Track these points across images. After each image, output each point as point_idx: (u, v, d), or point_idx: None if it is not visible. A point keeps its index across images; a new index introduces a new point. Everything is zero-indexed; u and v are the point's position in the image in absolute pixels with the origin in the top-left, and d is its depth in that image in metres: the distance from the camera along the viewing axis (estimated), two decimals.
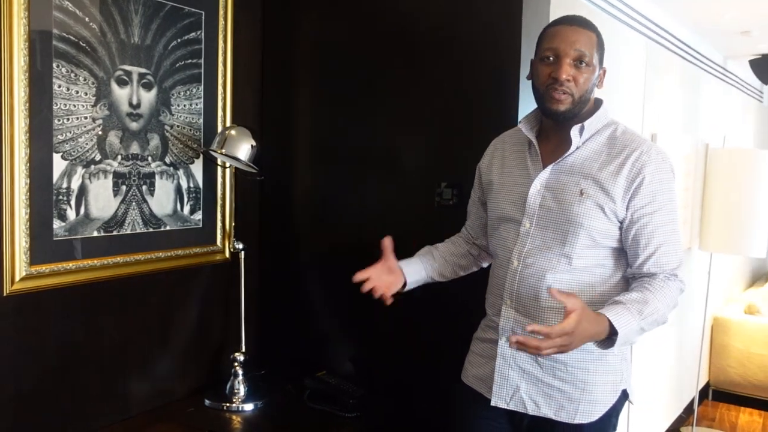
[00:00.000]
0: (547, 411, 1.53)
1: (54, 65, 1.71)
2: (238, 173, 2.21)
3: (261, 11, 2.34)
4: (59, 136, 1.74)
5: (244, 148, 1.98)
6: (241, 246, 2.16)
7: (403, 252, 2.06)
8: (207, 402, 2.05)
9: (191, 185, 2.11)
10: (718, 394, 4.66)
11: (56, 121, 1.73)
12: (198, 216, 2.15)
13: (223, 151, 1.97)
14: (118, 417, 1.94)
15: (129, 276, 1.94)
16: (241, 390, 2.06)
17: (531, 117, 1.59)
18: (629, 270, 1.53)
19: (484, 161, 1.71)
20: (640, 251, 1.48)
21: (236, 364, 2.08)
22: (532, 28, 1.90)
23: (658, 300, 1.42)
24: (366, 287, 1.61)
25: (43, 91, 1.69)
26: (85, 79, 1.79)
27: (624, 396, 1.60)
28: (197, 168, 2.13)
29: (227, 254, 2.24)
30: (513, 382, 1.55)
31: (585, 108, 1.52)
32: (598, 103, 1.57)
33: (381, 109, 2.11)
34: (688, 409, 4.20)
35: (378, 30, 2.12)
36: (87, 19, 1.78)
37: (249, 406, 2.02)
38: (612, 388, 1.55)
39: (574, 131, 1.50)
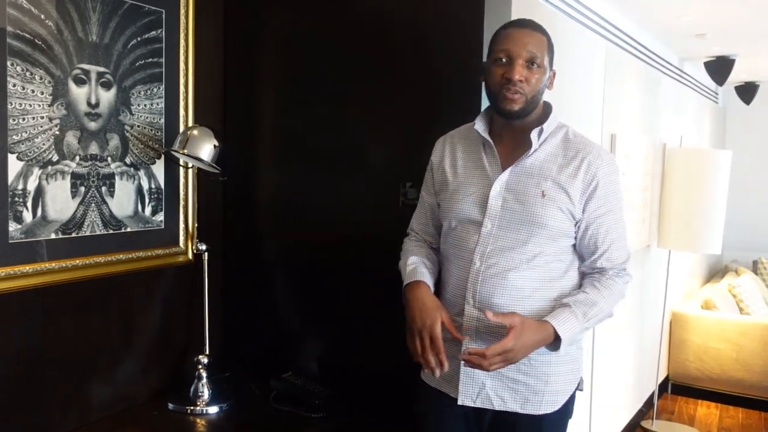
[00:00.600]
0: (513, 405, 1.58)
1: (8, 63, 1.67)
2: (200, 173, 2.18)
3: (223, 9, 2.32)
4: (14, 137, 1.70)
5: (206, 149, 1.96)
6: (204, 247, 2.13)
7: (369, 251, 2.07)
8: (171, 405, 2.02)
9: (153, 186, 2.08)
10: (677, 388, 4.77)
11: (11, 121, 1.69)
12: (160, 217, 2.12)
13: (186, 151, 1.95)
14: (80, 422, 1.90)
15: (89, 279, 1.90)
16: (206, 393, 2.03)
17: (485, 117, 1.63)
18: (582, 265, 1.62)
19: (435, 157, 1.72)
20: (594, 249, 1.58)
21: (200, 366, 2.06)
22: (495, 27, 1.92)
23: (605, 299, 1.55)
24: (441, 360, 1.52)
25: None
26: (41, 78, 1.75)
27: (579, 385, 1.68)
28: (159, 168, 2.10)
29: (190, 255, 2.21)
30: (479, 379, 1.57)
31: (535, 109, 1.58)
32: (548, 106, 1.63)
33: (346, 107, 2.11)
34: (649, 403, 4.30)
35: (343, 28, 2.12)
36: (43, 16, 1.74)
37: (213, 409, 2.00)
38: (572, 377, 1.63)
39: (534, 134, 1.55)
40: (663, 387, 4.65)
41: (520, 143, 1.58)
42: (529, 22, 1.56)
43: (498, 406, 1.58)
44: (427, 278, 1.63)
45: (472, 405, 1.59)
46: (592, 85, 3.03)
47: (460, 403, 1.59)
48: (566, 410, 1.63)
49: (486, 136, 1.60)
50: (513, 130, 1.59)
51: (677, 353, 4.74)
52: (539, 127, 1.55)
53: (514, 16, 2.09)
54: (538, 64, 1.52)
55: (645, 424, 4.14)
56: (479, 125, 1.61)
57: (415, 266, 1.65)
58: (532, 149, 1.55)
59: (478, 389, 1.58)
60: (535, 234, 1.53)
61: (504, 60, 1.52)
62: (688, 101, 4.94)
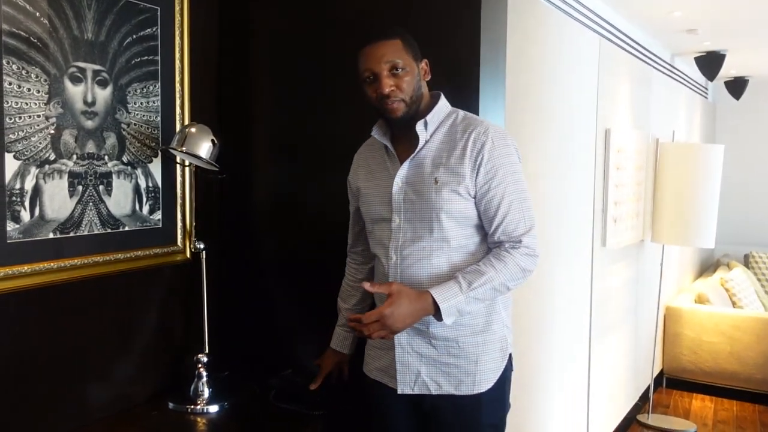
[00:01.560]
0: (449, 388, 1.66)
1: (4, 62, 1.65)
2: (197, 171, 2.17)
3: (218, 5, 2.31)
4: (11, 135, 1.68)
5: (204, 146, 1.95)
6: (202, 245, 2.12)
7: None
8: (171, 405, 2.01)
9: (150, 184, 2.07)
10: (671, 382, 4.80)
11: (7, 120, 1.67)
12: (157, 216, 2.11)
13: (184, 149, 1.94)
14: (80, 422, 1.89)
15: (87, 278, 1.89)
16: (206, 391, 2.02)
17: (382, 124, 1.72)
18: (488, 240, 1.67)
19: (351, 173, 1.84)
20: (489, 222, 1.63)
21: (200, 365, 2.05)
22: (490, 24, 1.93)
23: (493, 269, 1.58)
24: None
25: None
26: (37, 76, 1.73)
27: (510, 362, 1.74)
28: (156, 167, 2.09)
29: (188, 254, 2.20)
30: (414, 367, 1.66)
31: (423, 103, 1.66)
32: (436, 96, 1.70)
33: (341, 103, 2.11)
34: (644, 397, 4.32)
35: (337, 24, 2.11)
36: (38, 14, 1.73)
37: (214, 408, 1.99)
38: (500, 354, 1.69)
39: (419, 126, 1.63)
40: (658, 381, 4.68)
41: (414, 138, 1.66)
42: (380, 33, 1.61)
43: (435, 390, 1.66)
44: (335, 337, 1.97)
45: (411, 392, 1.68)
46: (587, 81, 3.05)
47: (399, 392, 1.68)
48: (501, 389, 1.70)
49: (383, 140, 1.70)
50: (408, 129, 1.66)
51: (671, 347, 4.77)
52: (423, 120, 1.63)
53: (510, 14, 2.09)
54: (401, 67, 1.59)
55: (641, 417, 4.16)
56: (376, 132, 1.71)
57: (337, 325, 1.97)
58: (422, 141, 1.64)
59: (414, 377, 1.67)
60: (436, 220, 1.61)
61: (371, 78, 1.60)
62: (679, 96, 4.97)
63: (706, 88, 6.69)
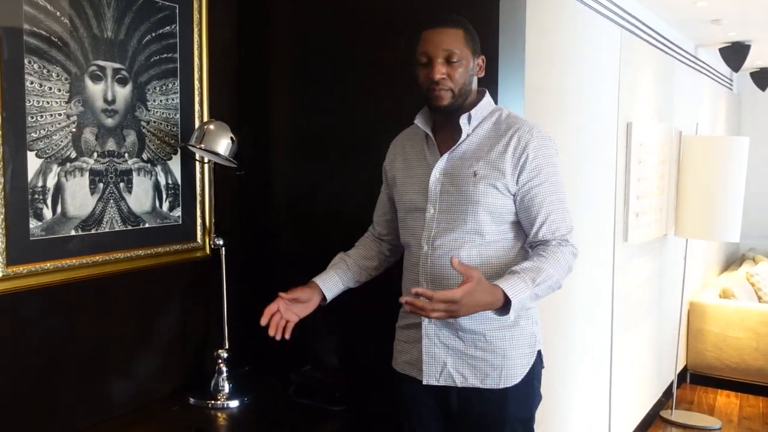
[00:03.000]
0: (474, 381, 1.65)
1: (26, 61, 1.67)
2: (216, 168, 2.18)
3: (236, 3, 2.32)
4: (33, 134, 1.70)
5: (223, 143, 1.96)
6: (221, 242, 2.13)
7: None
8: (192, 400, 2.03)
9: (169, 181, 2.09)
10: (695, 378, 4.74)
11: (29, 119, 1.69)
12: (177, 213, 2.12)
13: (203, 146, 1.95)
14: (101, 418, 1.91)
15: (108, 275, 1.91)
16: (226, 387, 2.04)
17: (425, 113, 1.71)
18: (527, 241, 1.66)
19: (387, 160, 1.83)
20: (532, 221, 1.62)
21: (220, 361, 2.06)
22: (509, 16, 1.91)
23: (551, 266, 1.56)
24: (271, 329, 1.74)
25: (15, 88, 1.65)
26: (58, 75, 1.75)
27: (539, 358, 1.72)
28: (175, 164, 2.10)
29: (208, 250, 2.21)
30: (440, 359, 1.66)
31: (469, 98, 1.65)
32: (482, 93, 1.70)
33: (359, 100, 2.10)
34: (667, 393, 4.27)
35: (356, 20, 2.11)
36: (58, 13, 1.75)
37: (234, 403, 2.01)
38: (529, 350, 1.68)
39: (463, 120, 1.63)
40: (681, 377, 4.62)
41: (456, 131, 1.65)
42: (446, 19, 1.60)
43: (460, 383, 1.65)
44: (324, 275, 1.81)
45: (436, 383, 1.67)
46: (608, 73, 3.01)
47: (425, 383, 1.68)
48: (530, 385, 1.68)
49: (426, 129, 1.69)
50: (450, 121, 1.65)
51: (695, 343, 4.71)
52: (467, 113, 1.63)
53: (529, 6, 2.07)
54: (457, 58, 1.58)
55: (664, 414, 4.11)
56: (419, 120, 1.70)
57: (329, 268, 1.82)
58: (464, 134, 1.63)
59: (440, 368, 1.66)
60: (471, 212, 1.60)
61: (425, 61, 1.60)
62: (703, 88, 4.88)
63: (731, 80, 6.57)
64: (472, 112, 1.63)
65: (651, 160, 3.55)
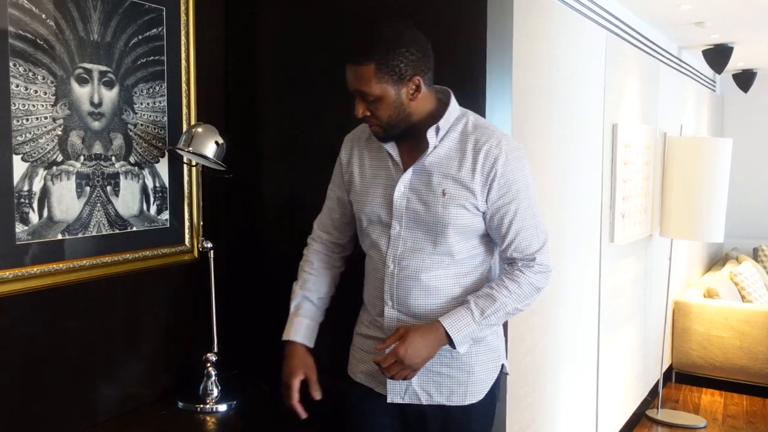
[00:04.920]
0: (440, 398, 1.62)
1: (11, 64, 1.66)
2: (204, 171, 2.17)
3: (223, 5, 2.31)
4: (18, 137, 1.68)
5: (211, 146, 1.95)
6: (209, 245, 2.13)
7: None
8: (180, 404, 2.01)
9: (157, 185, 2.08)
10: (680, 377, 4.79)
11: (15, 122, 1.67)
12: (165, 216, 2.11)
13: (190, 149, 1.94)
14: (88, 423, 1.90)
15: (96, 279, 1.89)
16: (215, 390, 2.03)
17: None
18: (499, 256, 1.63)
19: (344, 156, 1.73)
20: (501, 239, 1.58)
21: (208, 364, 2.05)
22: (497, 20, 1.92)
23: (508, 296, 1.54)
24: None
25: (0, 91, 1.63)
26: (43, 78, 1.74)
27: (502, 371, 1.71)
28: (163, 167, 2.09)
29: (196, 253, 2.20)
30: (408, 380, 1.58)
31: (425, 111, 1.55)
32: (445, 96, 1.60)
33: (348, 103, 2.10)
34: (653, 392, 4.31)
35: (343, 21, 2.11)
36: (44, 15, 1.73)
37: (223, 407, 2.00)
38: (493, 365, 1.66)
39: (431, 132, 1.54)
40: (667, 376, 4.66)
41: (419, 142, 1.56)
42: (356, 54, 1.48)
43: (425, 400, 1.62)
44: (302, 329, 1.71)
45: (401, 401, 1.63)
46: (594, 76, 3.03)
47: (389, 401, 1.63)
48: (492, 397, 1.67)
49: (386, 143, 1.60)
50: (413, 131, 1.56)
51: (680, 342, 4.75)
52: (435, 125, 1.54)
53: (516, 10, 2.08)
54: (372, 98, 1.49)
55: (650, 413, 4.15)
56: None
57: (294, 315, 1.73)
58: (431, 147, 1.55)
59: (405, 386, 1.62)
60: (441, 233, 1.54)
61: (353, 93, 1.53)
62: (686, 90, 4.93)
63: (714, 81, 6.64)
64: (440, 123, 1.54)
65: (636, 161, 3.58)
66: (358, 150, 1.70)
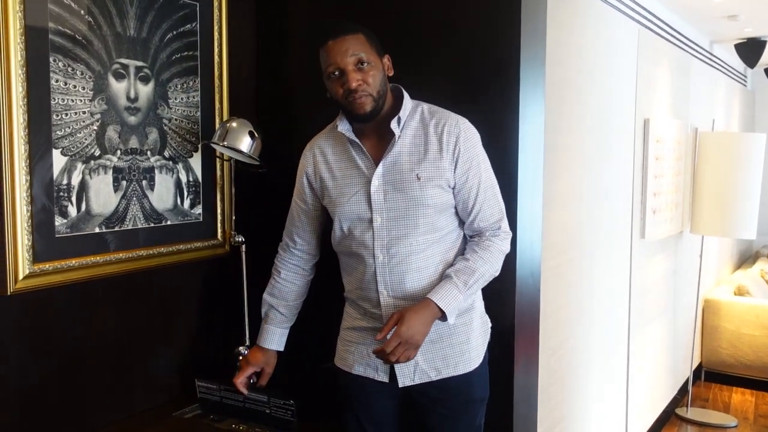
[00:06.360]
0: (447, 371, 1.67)
1: (51, 59, 1.68)
2: (237, 165, 2.19)
3: (255, 1, 2.32)
4: (58, 132, 1.71)
5: (245, 140, 1.96)
6: (241, 239, 2.14)
7: None
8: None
9: (190, 179, 2.10)
10: (710, 375, 4.72)
11: (55, 116, 1.70)
12: (198, 210, 2.13)
13: (225, 143, 1.95)
14: (123, 414, 1.93)
15: (131, 272, 1.92)
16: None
17: (344, 117, 1.67)
18: (465, 229, 1.70)
19: (309, 168, 1.77)
20: (468, 211, 1.67)
21: (240, 357, 2.07)
22: (530, 15, 1.90)
23: (484, 264, 1.63)
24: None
25: (41, 86, 1.66)
26: (82, 73, 1.76)
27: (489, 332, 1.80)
28: (196, 161, 2.11)
29: (228, 247, 2.22)
30: (412, 360, 1.62)
31: (388, 102, 1.65)
32: (398, 91, 1.69)
33: None
34: (683, 390, 4.26)
35: (375, 17, 2.10)
36: (82, 12, 1.76)
37: None
38: (483, 329, 1.75)
39: (394, 124, 1.62)
40: (696, 374, 4.60)
41: (383, 134, 1.65)
42: (342, 28, 1.59)
43: (435, 376, 1.67)
44: (269, 336, 1.86)
45: (412, 383, 1.67)
46: (625, 70, 2.99)
47: (401, 386, 1.67)
48: (486, 363, 1.75)
49: (352, 136, 1.66)
50: (373, 124, 1.64)
51: (710, 340, 4.68)
52: (397, 116, 1.62)
53: (549, 3, 2.06)
54: (366, 61, 1.57)
55: (680, 411, 4.10)
56: (342, 127, 1.66)
57: (264, 322, 1.86)
58: (397, 138, 1.62)
59: (413, 368, 1.66)
60: (422, 216, 1.62)
61: (337, 74, 1.58)
62: (718, 85, 4.85)
63: (745, 76, 6.53)
64: (401, 114, 1.63)
65: (668, 156, 3.53)
66: (322, 157, 1.74)
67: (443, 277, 1.63)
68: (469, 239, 1.71)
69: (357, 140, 1.66)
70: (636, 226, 3.20)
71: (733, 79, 5.70)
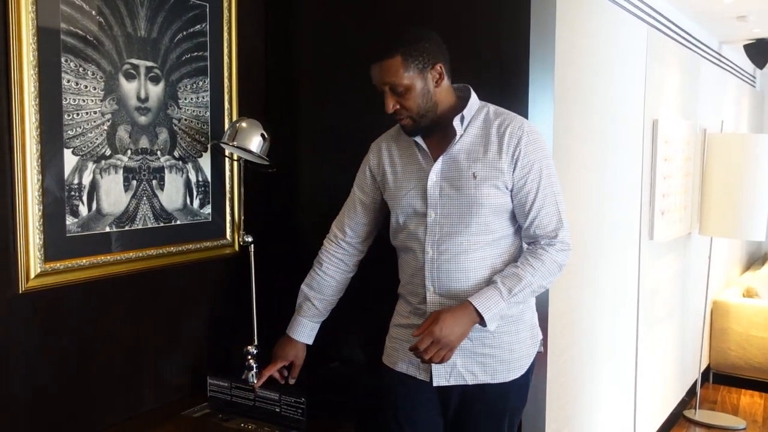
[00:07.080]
0: (485, 377, 1.67)
1: (62, 60, 1.70)
2: (246, 165, 2.19)
3: (264, 2, 2.33)
4: (69, 132, 1.72)
5: (255, 140, 1.97)
6: (250, 239, 2.15)
7: None
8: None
9: (200, 179, 2.10)
10: (718, 377, 4.70)
11: (66, 116, 1.71)
12: (207, 210, 2.14)
13: (235, 143, 1.96)
14: (132, 413, 1.94)
15: (141, 271, 1.93)
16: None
17: None
18: (522, 234, 1.70)
19: (373, 162, 1.81)
20: (525, 216, 1.65)
21: (249, 356, 2.07)
22: (540, 16, 1.90)
23: (533, 273, 1.60)
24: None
25: (53, 86, 1.67)
26: (93, 74, 1.77)
27: (539, 347, 1.79)
28: (205, 161, 2.12)
29: (237, 247, 2.23)
30: (450, 360, 1.62)
31: (448, 104, 1.65)
32: (465, 90, 1.69)
33: None
34: (691, 392, 4.24)
35: (384, 16, 2.11)
36: (94, 12, 1.77)
37: None
38: (531, 342, 1.74)
39: (456, 121, 1.63)
40: (704, 376, 4.58)
41: (446, 133, 1.66)
42: (383, 49, 1.60)
43: (470, 380, 1.67)
44: (300, 328, 1.88)
45: (446, 384, 1.68)
46: (634, 70, 2.99)
47: (435, 384, 1.68)
48: (530, 374, 1.74)
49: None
50: (439, 123, 1.65)
51: (718, 342, 4.66)
52: (460, 114, 1.63)
53: (558, 5, 2.06)
54: (401, 89, 1.59)
55: (688, 413, 4.08)
56: None
57: (297, 313, 1.89)
58: (458, 136, 1.64)
59: (450, 369, 1.67)
60: (475, 214, 1.62)
61: (381, 92, 1.62)
62: (727, 85, 4.83)
63: (754, 77, 6.50)
64: (464, 112, 1.63)
65: (676, 157, 3.52)
66: (387, 151, 1.78)
67: (489, 282, 1.62)
68: (526, 248, 1.70)
69: (417, 138, 1.68)
70: (645, 228, 3.19)
71: (742, 80, 5.68)
